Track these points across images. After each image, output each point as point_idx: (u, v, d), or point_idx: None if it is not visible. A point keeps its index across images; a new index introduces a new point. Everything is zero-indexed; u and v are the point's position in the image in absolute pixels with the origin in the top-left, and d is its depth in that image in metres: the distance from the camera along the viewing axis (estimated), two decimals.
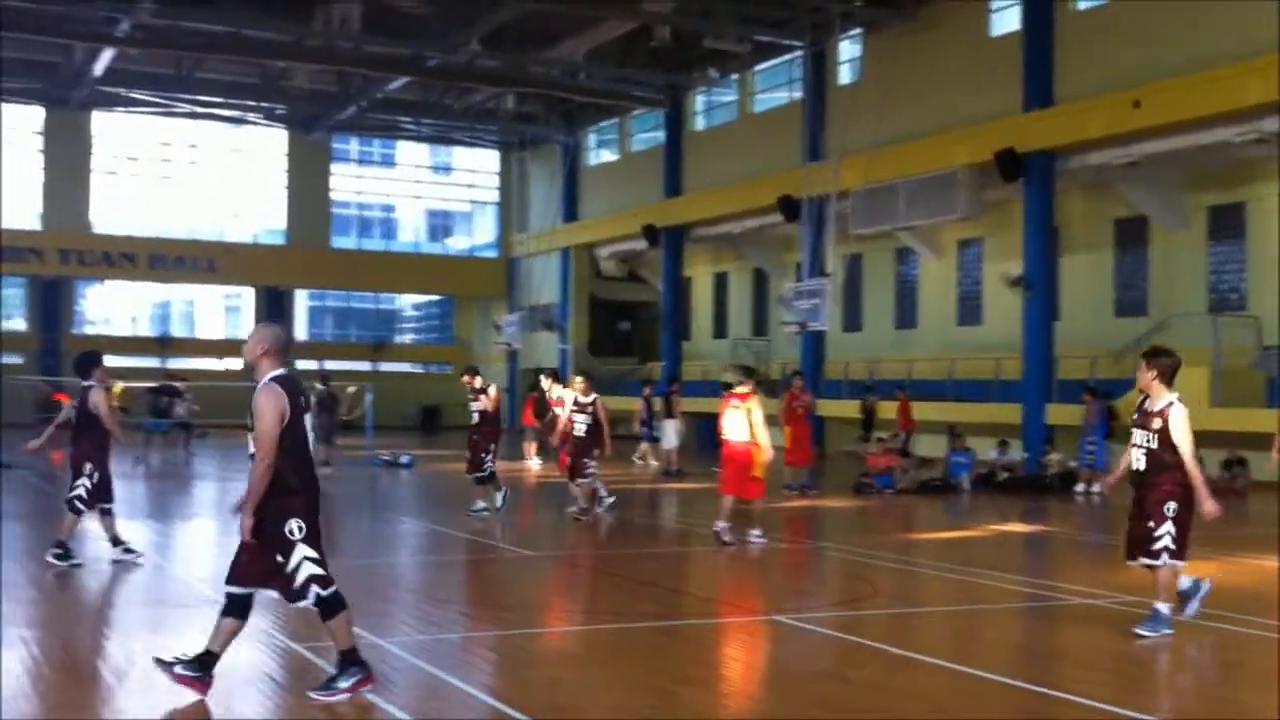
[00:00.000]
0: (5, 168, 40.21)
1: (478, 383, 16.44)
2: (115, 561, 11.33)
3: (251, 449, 6.59)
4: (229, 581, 6.68)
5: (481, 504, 15.76)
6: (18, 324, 43.84)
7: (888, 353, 31.60)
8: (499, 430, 16.75)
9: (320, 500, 6.78)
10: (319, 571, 6.60)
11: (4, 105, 39.90)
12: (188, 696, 6.48)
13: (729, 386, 14.86)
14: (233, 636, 6.69)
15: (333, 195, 47.13)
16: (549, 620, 9.74)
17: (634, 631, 8.94)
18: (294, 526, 6.55)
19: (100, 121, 42.79)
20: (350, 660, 6.67)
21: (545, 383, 19.70)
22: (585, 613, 10.14)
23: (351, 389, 32.67)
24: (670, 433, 24.65)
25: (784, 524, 15.63)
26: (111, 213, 43.99)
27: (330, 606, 6.63)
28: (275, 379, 6.63)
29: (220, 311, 50.13)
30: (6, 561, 11.43)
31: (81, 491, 11.18)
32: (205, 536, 14.99)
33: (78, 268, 42.47)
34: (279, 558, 6.54)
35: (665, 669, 7.54)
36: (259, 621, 7.05)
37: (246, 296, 47.10)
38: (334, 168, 47.11)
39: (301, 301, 48.94)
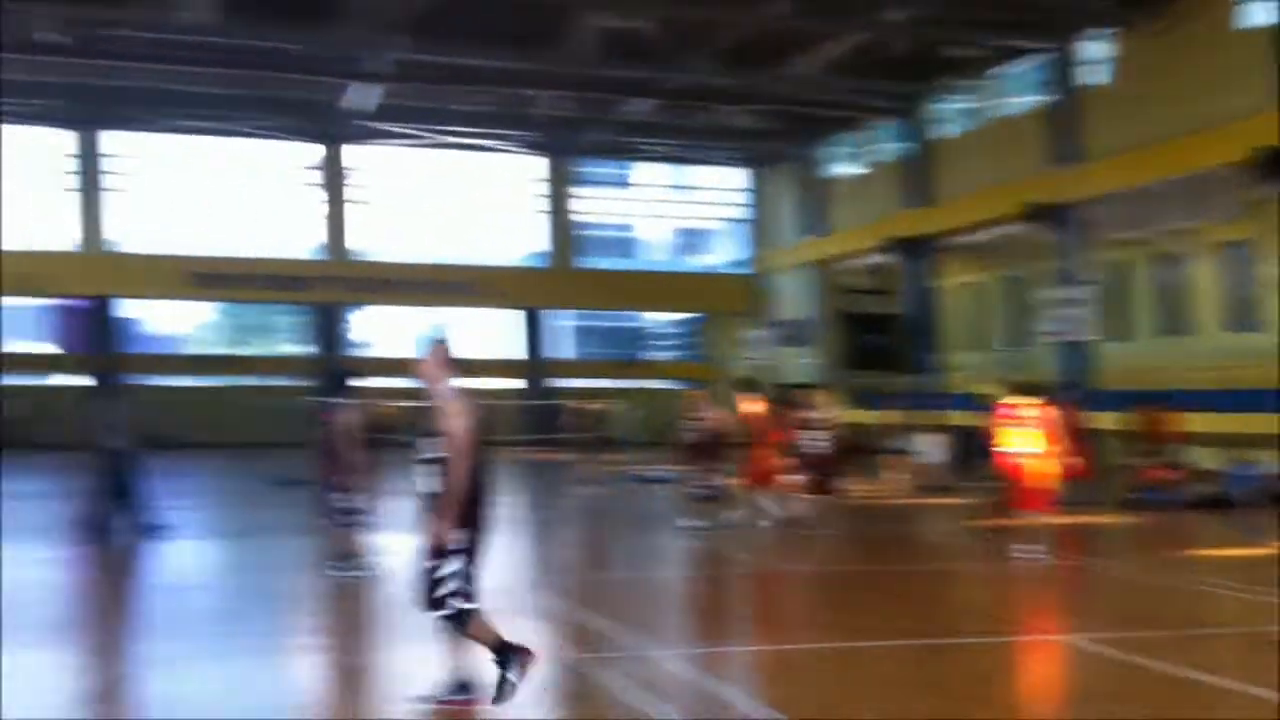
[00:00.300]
0: (286, 203, 43.03)
1: (704, 399, 16.61)
2: (353, 574, 11.74)
3: (421, 455, 6.84)
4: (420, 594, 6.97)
5: (703, 521, 15.89)
6: (295, 348, 46.58)
7: (1154, 361, 30.26)
8: (731, 447, 16.77)
9: (488, 518, 6.87)
10: (465, 586, 6.76)
11: (279, 142, 42.75)
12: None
13: (996, 399, 14.59)
14: (491, 630, 6.93)
15: (579, 217, 48.31)
16: (818, 635, 9.76)
17: (902, 649, 8.89)
18: (454, 536, 6.73)
19: (365, 156, 45.10)
20: (460, 681, 6.89)
21: (787, 398, 19.75)
22: (850, 628, 10.12)
23: (599, 406, 33.40)
24: (930, 447, 24.28)
25: (1058, 540, 15.22)
26: (384, 241, 46.36)
27: (463, 624, 6.80)
28: (458, 391, 6.88)
29: (478, 333, 52.06)
30: (290, 573, 12.16)
31: (344, 505, 11.78)
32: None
33: (346, 294, 44.82)
34: (430, 563, 6.77)
35: (938, 686, 7.49)
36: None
37: (503, 318, 48.74)
38: (578, 190, 48.29)
39: (553, 321, 50.34)
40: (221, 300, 47.93)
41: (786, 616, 10.51)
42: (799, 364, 42.27)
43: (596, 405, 30.80)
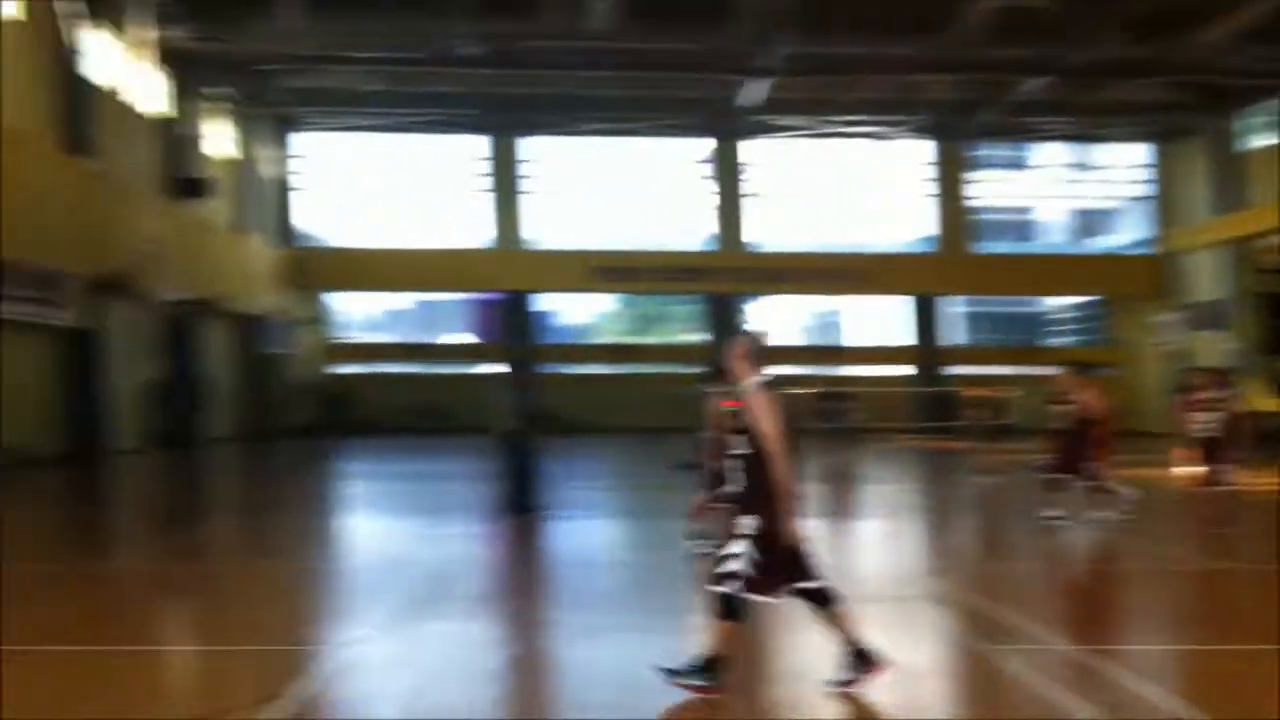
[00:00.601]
0: (680, 197, 44.56)
1: (1072, 382, 15.94)
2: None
3: (734, 450, 6.86)
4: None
5: (1058, 512, 15.27)
6: (695, 337, 48.16)
7: None
8: (1108, 434, 15.97)
9: (788, 510, 6.77)
10: (748, 571, 6.69)
11: (674, 139, 44.41)
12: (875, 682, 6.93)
13: None
14: (848, 619, 6.97)
15: (974, 201, 47.20)
16: (1234, 635, 9.26)
17: None
18: (747, 522, 6.73)
19: (755, 149, 45.92)
20: (711, 666, 6.78)
21: (1189, 382, 18.68)
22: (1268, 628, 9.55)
23: (995, 394, 32.67)
24: None
25: None
26: (773, 231, 47.11)
27: (729, 609, 6.73)
28: (762, 383, 6.88)
29: (872, 321, 51.94)
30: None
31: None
32: (872, 534, 15.72)
33: (741, 284, 45.82)
34: (724, 541, 6.79)
35: None
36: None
37: (896, 305, 48.39)
38: (973, 174, 47.17)
39: (948, 308, 49.45)
40: (622, 292, 50.14)
41: (1195, 613, 10.04)
42: (1214, 348, 39.64)
43: (992, 392, 30.17)
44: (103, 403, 28.42)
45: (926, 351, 46.05)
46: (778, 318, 50.46)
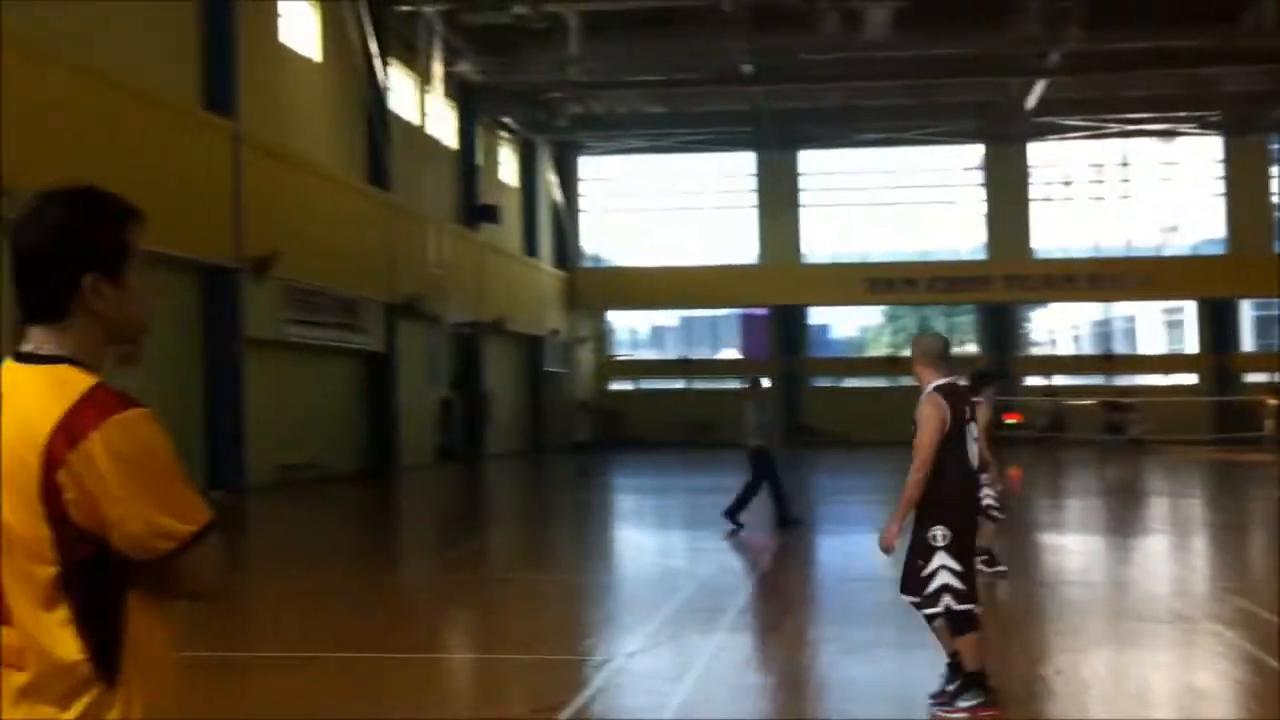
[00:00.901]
0: (954, 205, 43.76)
1: None
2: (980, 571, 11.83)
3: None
4: (902, 590, 6.84)
5: None
6: (970, 348, 47.13)
7: None
8: None
9: (975, 514, 6.66)
10: (955, 584, 6.51)
11: (948, 146, 43.72)
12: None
13: None
14: (978, 649, 6.69)
15: (1275, 199, 44.45)
16: None
17: None
18: (937, 533, 6.53)
19: (1034, 151, 44.66)
20: (974, 683, 6.54)
21: None
22: None
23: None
24: None
25: None
26: (1049, 237, 45.67)
27: (960, 622, 6.53)
28: (936, 389, 6.67)
29: (1160, 326, 49.61)
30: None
31: (990, 500, 11.96)
32: (1160, 550, 15.10)
33: (1020, 292, 44.59)
34: (919, 562, 6.58)
35: None
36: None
37: (1188, 310, 46.10)
38: (1274, 170, 44.44)
39: (1246, 311, 46.72)
40: (896, 304, 49.59)
41: None
42: None
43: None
44: (396, 420, 30.17)
45: (1220, 358, 43.61)
46: (1057, 326, 48.80)
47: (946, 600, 6.53)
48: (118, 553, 2.12)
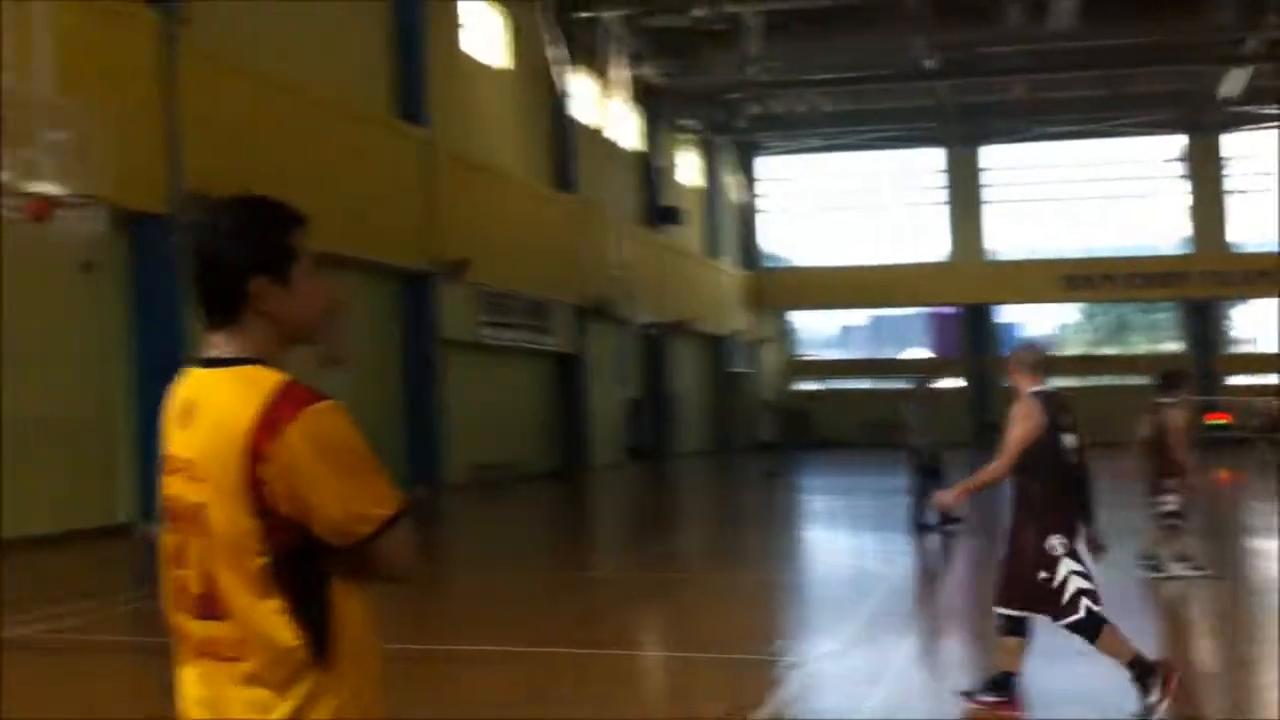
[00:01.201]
0: (1151, 198, 42.26)
1: None
2: (1181, 576, 11.34)
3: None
4: (996, 603, 6.81)
5: None
6: (1172, 346, 45.36)
7: None
8: None
9: (1077, 519, 6.65)
10: (1088, 586, 6.51)
11: (1142, 138, 42.24)
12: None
13: None
14: (1021, 653, 6.74)
15: None
16: None
17: None
18: (1055, 543, 6.54)
19: (1233, 142, 42.81)
20: (1004, 682, 6.67)
21: None
22: None
23: None
24: None
25: None
26: (1249, 231, 43.67)
27: (1097, 623, 6.51)
28: (1033, 394, 6.74)
29: None
30: (1119, 571, 12.08)
31: (1170, 507, 11.50)
32: None
33: (1221, 288, 42.77)
34: (1043, 574, 6.53)
35: None
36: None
37: None
38: None
39: None
40: (1091, 301, 48.10)
41: None
42: None
43: None
44: (586, 420, 30.65)
45: None
46: (1260, 322, 46.57)
47: (1085, 604, 6.55)
48: (319, 541, 2.22)
